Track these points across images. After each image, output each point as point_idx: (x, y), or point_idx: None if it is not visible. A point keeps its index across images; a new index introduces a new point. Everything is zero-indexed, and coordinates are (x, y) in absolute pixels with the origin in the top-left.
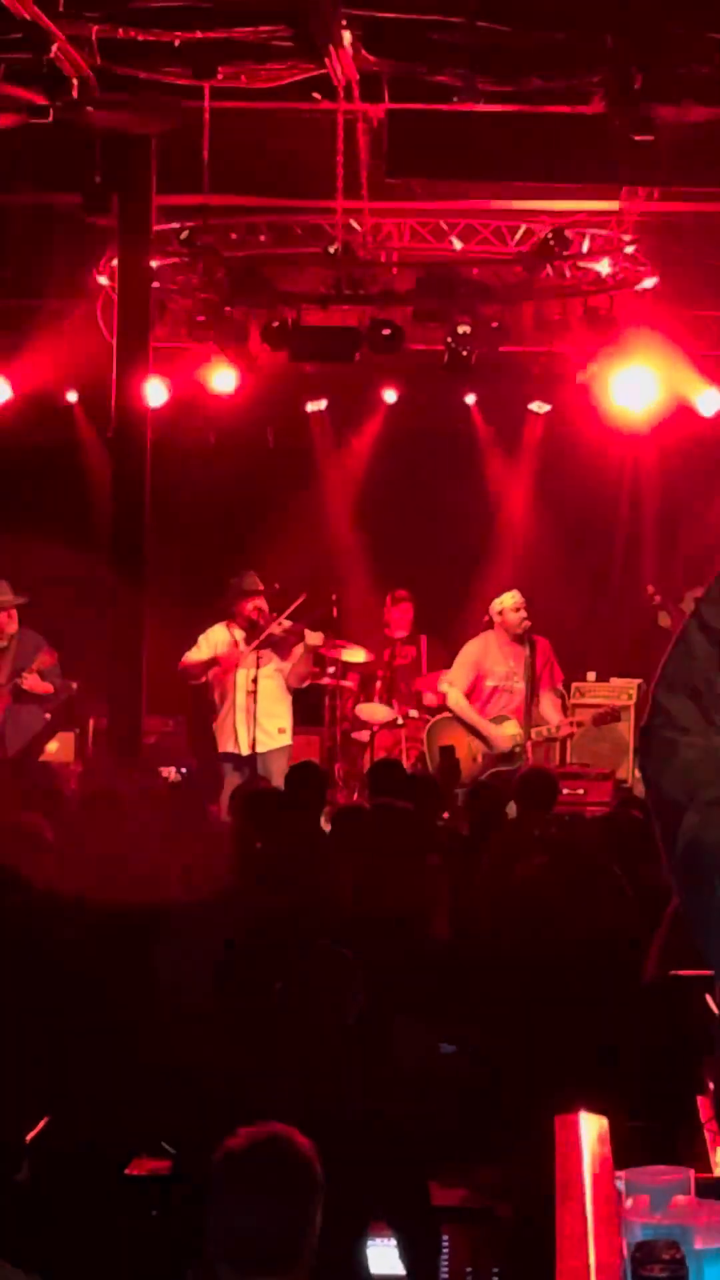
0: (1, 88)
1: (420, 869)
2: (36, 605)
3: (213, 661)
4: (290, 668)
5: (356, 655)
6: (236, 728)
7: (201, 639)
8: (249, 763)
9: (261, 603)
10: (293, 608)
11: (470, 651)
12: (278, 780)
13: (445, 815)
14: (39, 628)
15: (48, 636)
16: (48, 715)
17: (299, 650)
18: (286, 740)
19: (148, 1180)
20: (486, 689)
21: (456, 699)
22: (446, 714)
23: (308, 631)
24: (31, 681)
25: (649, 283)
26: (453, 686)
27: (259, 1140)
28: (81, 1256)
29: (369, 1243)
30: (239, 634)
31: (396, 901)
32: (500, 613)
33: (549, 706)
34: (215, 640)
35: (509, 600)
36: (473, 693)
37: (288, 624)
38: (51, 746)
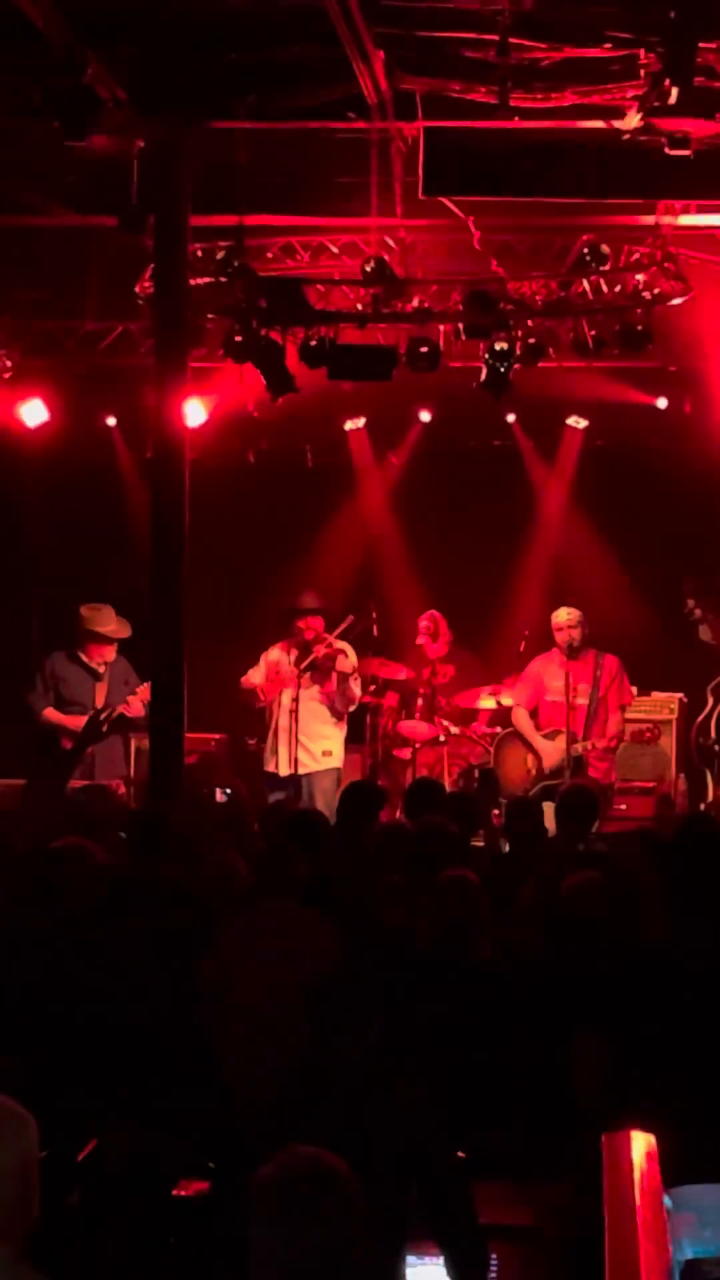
0: (37, 111)
1: (463, 888)
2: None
3: (257, 691)
4: (337, 693)
5: (398, 674)
6: (279, 748)
7: (262, 657)
8: (291, 783)
9: (316, 622)
10: (341, 628)
11: (533, 669)
12: (322, 801)
13: (480, 831)
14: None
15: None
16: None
17: (334, 676)
18: (334, 763)
19: (195, 1202)
20: (545, 705)
21: (517, 714)
22: (511, 729)
23: (340, 657)
24: (136, 707)
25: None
26: (515, 704)
27: (293, 1167)
28: (131, 1278)
29: (417, 1261)
30: (291, 655)
31: (438, 921)
32: (557, 629)
33: (613, 725)
34: (273, 657)
35: (558, 616)
36: (537, 707)
37: (335, 646)
38: None
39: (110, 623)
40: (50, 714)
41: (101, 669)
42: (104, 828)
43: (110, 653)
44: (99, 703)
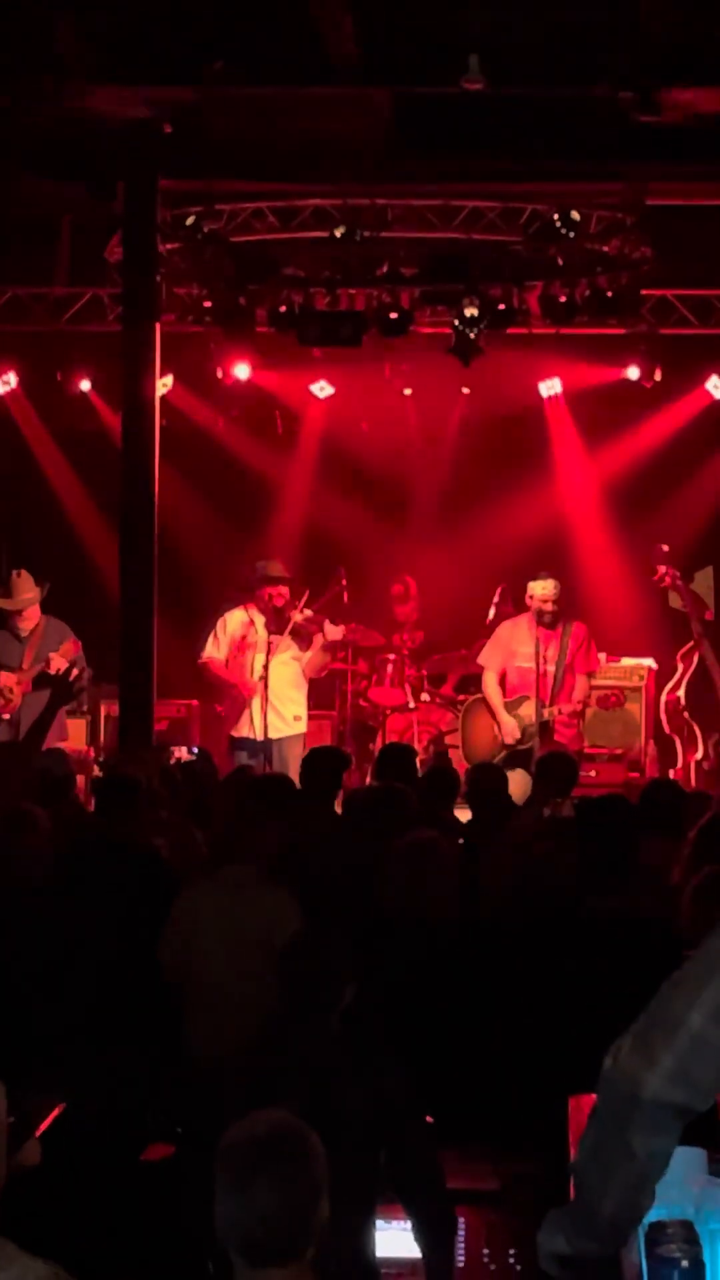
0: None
1: (429, 850)
2: (52, 594)
3: (227, 674)
4: (308, 658)
5: (370, 639)
6: (252, 713)
7: (218, 628)
8: (263, 748)
9: (284, 590)
10: (304, 600)
11: (501, 634)
12: (293, 767)
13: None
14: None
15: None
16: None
17: (318, 641)
18: (302, 728)
19: (163, 1166)
20: (513, 670)
21: (486, 680)
22: (479, 695)
23: (328, 625)
24: (57, 664)
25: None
26: (485, 669)
27: (258, 1130)
28: (97, 1243)
29: (385, 1225)
30: (259, 618)
31: (404, 885)
32: (530, 596)
33: (580, 691)
34: (232, 627)
35: (535, 588)
36: (505, 673)
37: (309, 613)
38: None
39: (18, 592)
40: None
41: (25, 633)
42: (67, 791)
43: (29, 621)
44: (25, 664)
